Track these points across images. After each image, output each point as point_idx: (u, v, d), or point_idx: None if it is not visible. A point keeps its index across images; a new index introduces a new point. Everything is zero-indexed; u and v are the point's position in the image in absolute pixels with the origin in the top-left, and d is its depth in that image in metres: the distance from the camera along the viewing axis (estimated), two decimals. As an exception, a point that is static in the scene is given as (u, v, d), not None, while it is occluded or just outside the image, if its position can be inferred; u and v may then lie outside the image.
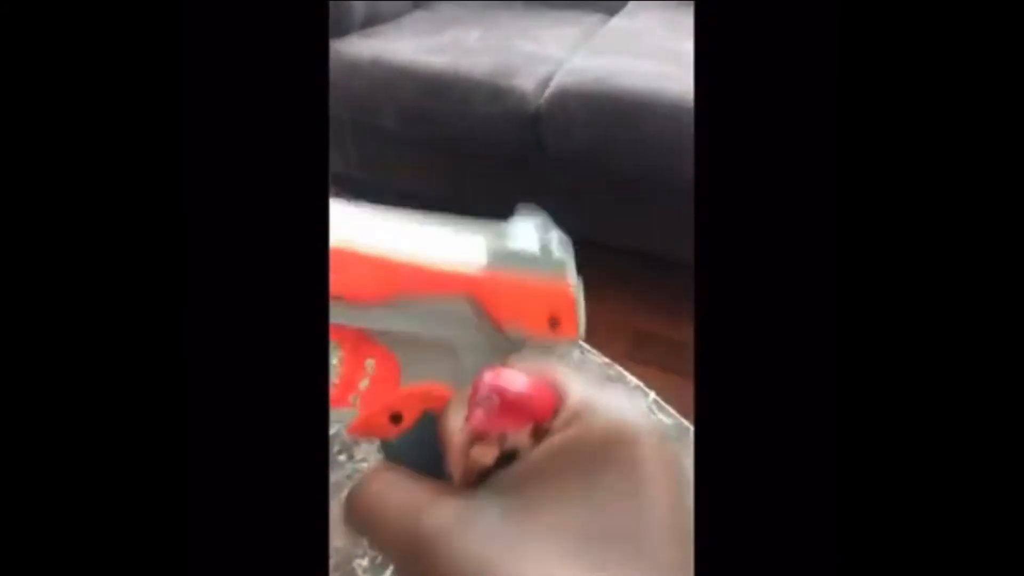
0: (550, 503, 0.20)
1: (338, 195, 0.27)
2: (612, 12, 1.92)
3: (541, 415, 0.23)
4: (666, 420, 0.56)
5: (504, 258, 0.27)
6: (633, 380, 0.60)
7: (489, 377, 0.23)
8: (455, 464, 0.23)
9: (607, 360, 0.62)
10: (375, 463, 0.26)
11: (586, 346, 0.64)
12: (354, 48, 1.75)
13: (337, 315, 0.25)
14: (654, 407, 0.57)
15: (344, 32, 1.81)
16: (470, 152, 1.75)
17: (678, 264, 1.64)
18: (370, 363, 0.26)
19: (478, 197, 1.82)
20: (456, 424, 0.23)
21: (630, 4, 1.95)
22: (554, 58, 1.67)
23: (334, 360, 0.27)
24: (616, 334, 1.57)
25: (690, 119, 1.45)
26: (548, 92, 1.58)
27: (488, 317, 0.26)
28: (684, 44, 1.65)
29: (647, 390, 0.59)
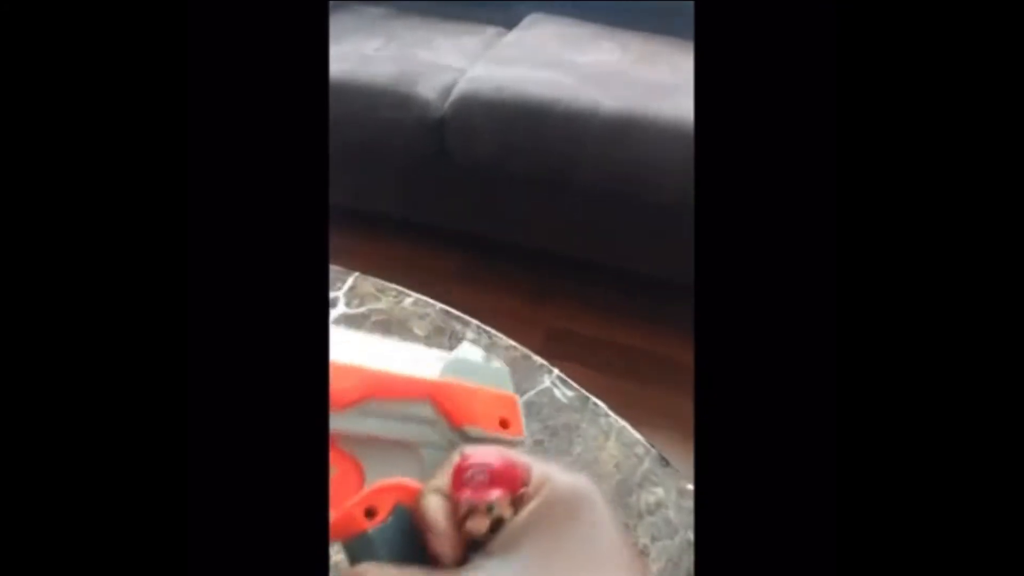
0: (546, 552, 0.26)
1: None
2: (509, 26, 1.98)
3: (519, 484, 0.28)
4: (570, 394, 0.60)
5: (457, 367, 0.32)
6: (538, 360, 0.64)
7: (472, 458, 0.28)
8: (446, 542, 0.27)
9: (514, 343, 0.66)
10: (348, 570, 0.28)
11: (496, 333, 0.67)
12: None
13: None
14: (557, 382, 0.61)
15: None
16: (374, 159, 1.75)
17: (584, 263, 1.72)
18: (333, 470, 0.28)
19: (383, 203, 1.84)
20: (436, 508, 0.27)
21: (526, 19, 2.01)
22: (455, 67, 1.71)
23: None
24: (529, 328, 1.62)
25: (586, 125, 1.53)
26: (451, 100, 1.61)
27: (447, 417, 0.30)
28: (579, 57, 1.73)
29: (551, 368, 0.63)
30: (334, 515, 0.28)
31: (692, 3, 0.29)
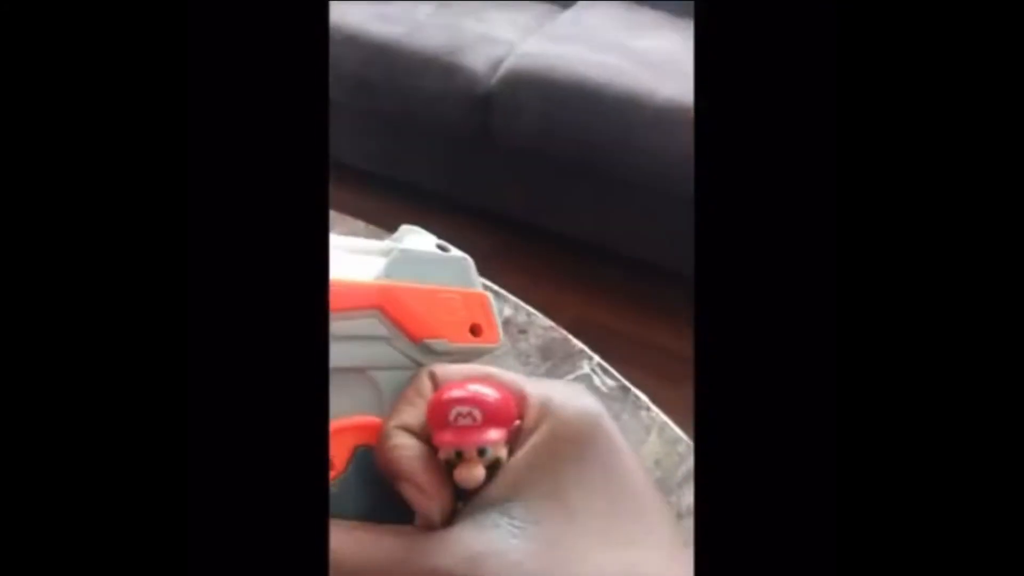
0: (559, 499, 0.20)
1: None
2: (564, 5, 1.93)
3: (516, 418, 0.22)
4: (611, 383, 0.56)
5: (406, 263, 0.25)
6: (578, 344, 0.60)
7: (458, 393, 0.22)
8: (429, 497, 0.21)
9: (552, 324, 0.62)
10: None
11: (533, 311, 0.63)
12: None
13: None
14: (598, 369, 0.57)
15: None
16: (411, 129, 1.71)
17: (616, 255, 1.66)
18: None
19: (417, 174, 1.80)
20: (410, 454, 0.21)
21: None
22: (506, 41, 1.66)
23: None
24: (554, 317, 1.58)
25: (639, 112, 1.47)
26: (499, 74, 1.56)
27: (403, 330, 0.24)
28: (634, 41, 1.67)
29: (591, 354, 0.59)
30: None
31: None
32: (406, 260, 0.25)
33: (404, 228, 0.27)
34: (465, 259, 0.26)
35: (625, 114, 1.48)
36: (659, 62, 1.57)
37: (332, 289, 0.22)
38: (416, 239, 0.26)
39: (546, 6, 1.91)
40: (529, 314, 0.62)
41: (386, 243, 0.26)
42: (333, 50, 1.64)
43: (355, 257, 0.25)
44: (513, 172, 1.68)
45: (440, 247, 0.26)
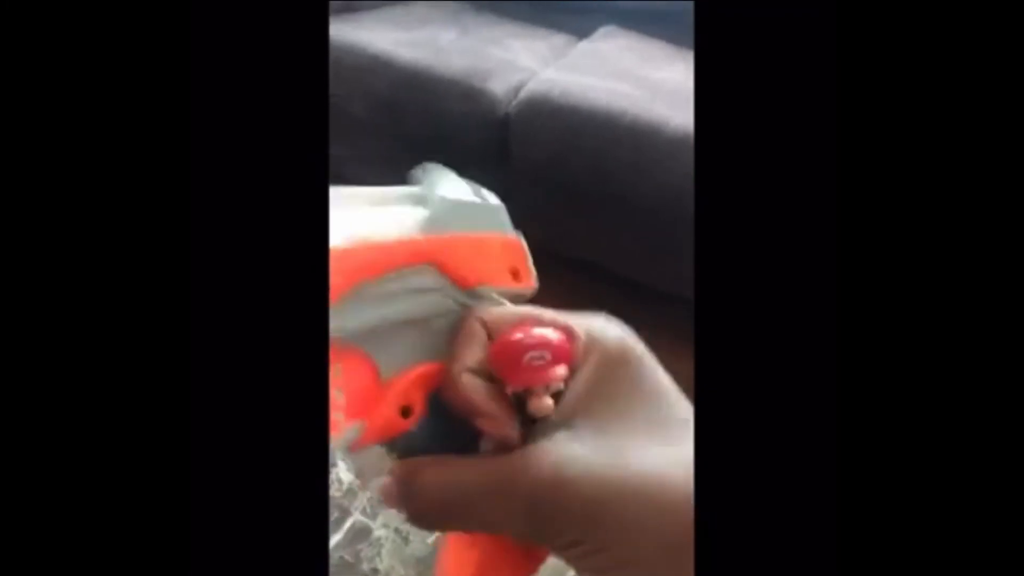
0: (611, 414, 0.25)
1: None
2: (582, 35, 1.99)
3: (573, 353, 0.26)
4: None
5: (448, 212, 0.26)
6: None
7: (520, 337, 0.25)
8: (505, 425, 0.25)
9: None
10: (396, 463, 0.26)
11: None
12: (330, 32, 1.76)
13: None
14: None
15: (320, 16, 1.82)
16: (434, 149, 1.77)
17: (630, 282, 1.69)
18: (336, 370, 0.24)
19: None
20: (480, 392, 0.25)
21: (600, 30, 2.02)
22: (526, 68, 1.72)
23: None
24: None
25: (649, 141, 1.52)
26: (519, 99, 1.62)
27: (454, 280, 0.26)
28: (649, 72, 1.72)
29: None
30: (366, 423, 0.24)
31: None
32: (448, 209, 0.26)
33: (430, 168, 0.28)
34: (500, 206, 0.28)
35: (638, 141, 1.52)
36: (673, 93, 1.62)
37: (386, 248, 0.24)
38: (450, 185, 0.27)
39: (565, 36, 1.97)
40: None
41: (418, 189, 0.27)
42: (361, 73, 1.71)
43: (392, 209, 0.26)
44: (526, 195, 1.72)
45: (474, 192, 0.28)
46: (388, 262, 0.24)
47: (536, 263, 0.29)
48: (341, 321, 0.23)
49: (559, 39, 1.95)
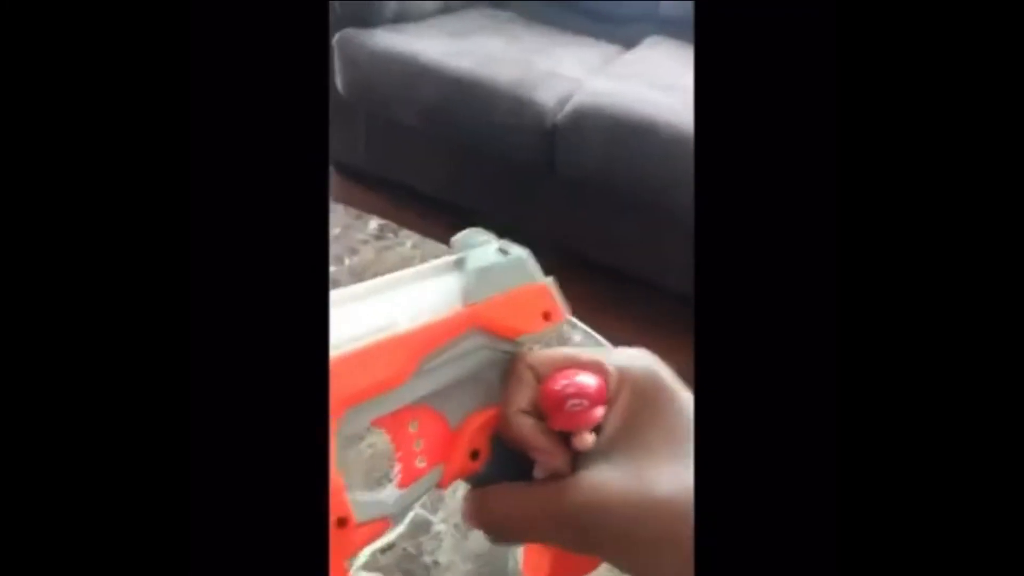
0: (637, 443, 0.29)
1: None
2: (628, 45, 2.00)
3: (609, 395, 0.29)
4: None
5: (481, 277, 0.30)
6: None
7: (562, 386, 0.29)
8: (557, 458, 0.29)
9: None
10: (469, 491, 0.31)
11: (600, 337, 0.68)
12: (381, 41, 1.80)
13: (378, 409, 0.27)
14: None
15: (373, 25, 1.87)
16: (481, 157, 1.80)
17: (672, 293, 1.70)
18: (414, 424, 0.29)
19: (481, 202, 1.88)
20: (533, 430, 0.29)
21: (647, 40, 2.03)
22: (573, 78, 1.74)
23: (384, 444, 0.28)
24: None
25: (690, 149, 1.53)
26: (567, 109, 1.64)
27: (497, 336, 0.30)
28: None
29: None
30: (444, 466, 0.29)
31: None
32: (481, 278, 0.30)
33: (463, 235, 0.32)
34: (525, 257, 0.31)
35: (684, 151, 1.54)
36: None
37: (434, 328, 0.28)
38: (479, 252, 0.31)
39: (612, 46, 1.99)
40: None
41: (453, 259, 0.31)
42: (412, 80, 1.75)
43: (429, 284, 0.30)
44: (570, 205, 1.75)
45: (501, 250, 0.31)
46: (441, 337, 0.28)
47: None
48: (411, 392, 0.28)
49: (606, 49, 1.97)
